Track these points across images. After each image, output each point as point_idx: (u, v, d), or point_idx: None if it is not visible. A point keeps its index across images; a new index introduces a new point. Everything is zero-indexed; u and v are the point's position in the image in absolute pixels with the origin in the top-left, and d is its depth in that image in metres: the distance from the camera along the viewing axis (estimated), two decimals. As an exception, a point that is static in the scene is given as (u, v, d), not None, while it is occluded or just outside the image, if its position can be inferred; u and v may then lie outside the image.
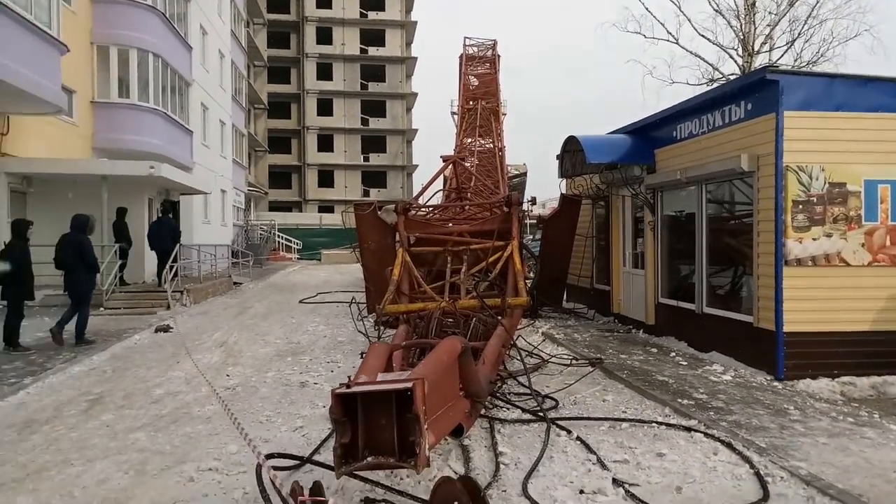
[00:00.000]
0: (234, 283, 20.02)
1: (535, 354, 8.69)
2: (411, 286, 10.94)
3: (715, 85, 18.00)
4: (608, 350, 8.97)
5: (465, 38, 33.79)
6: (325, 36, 54.00)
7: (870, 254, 7.25)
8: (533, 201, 19.44)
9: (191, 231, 22.70)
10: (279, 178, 52.96)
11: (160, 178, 16.11)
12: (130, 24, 18.84)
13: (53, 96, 13.22)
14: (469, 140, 28.70)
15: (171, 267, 14.55)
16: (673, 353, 8.71)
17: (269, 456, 4.16)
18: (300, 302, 15.98)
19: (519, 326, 10.66)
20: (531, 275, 13.23)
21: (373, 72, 55.08)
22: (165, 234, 14.95)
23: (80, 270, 9.86)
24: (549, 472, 4.74)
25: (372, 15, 55.02)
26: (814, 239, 7.18)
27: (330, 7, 53.95)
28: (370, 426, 3.26)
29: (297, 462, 4.50)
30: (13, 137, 14.27)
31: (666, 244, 10.02)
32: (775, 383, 7.05)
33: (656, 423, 5.73)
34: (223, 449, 5.21)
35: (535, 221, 14.99)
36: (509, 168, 35.75)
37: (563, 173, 12.68)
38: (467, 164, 26.26)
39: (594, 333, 10.55)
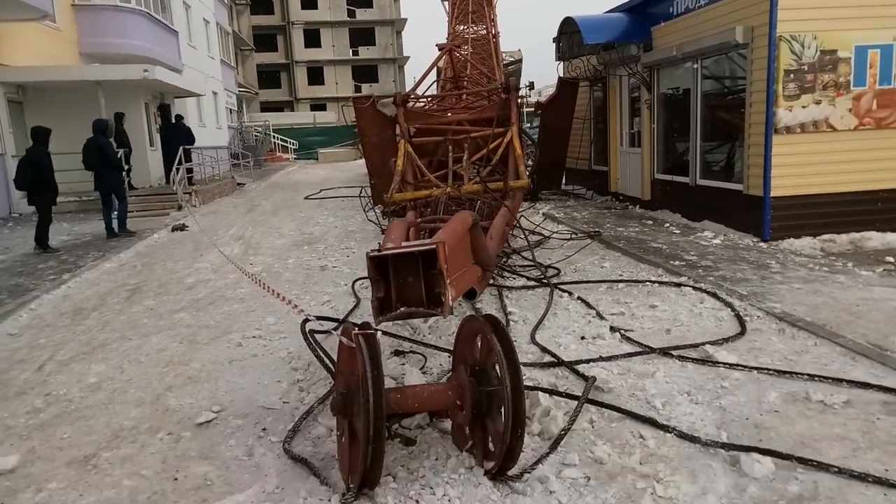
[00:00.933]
0: (238, 184, 20.32)
1: (537, 232, 9.22)
2: (415, 176, 11.27)
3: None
4: (606, 224, 9.49)
5: (453, -87, 31.84)
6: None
7: (856, 118, 7.56)
8: (531, 86, 19.29)
9: (179, 134, 22.65)
10: (268, 77, 51.59)
11: (154, 81, 16.04)
12: (103, -85, 17.89)
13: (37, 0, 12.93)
14: (462, 27, 27.84)
15: (178, 169, 14.81)
16: (667, 224, 9.24)
17: (307, 320, 4.73)
18: (306, 198, 16.37)
19: (521, 208, 11.13)
20: (530, 161, 13.53)
21: (356, -42, 52.19)
22: (181, 138, 15.45)
23: (107, 170, 10.46)
24: (554, 325, 5.36)
25: None
26: (803, 107, 7.46)
27: None
28: (401, 283, 3.75)
29: (335, 323, 5.09)
30: (2, 47, 14.07)
31: (662, 122, 10.27)
32: (761, 244, 7.61)
33: (650, 281, 6.32)
34: (262, 321, 5.82)
35: (533, 108, 15.04)
36: (504, 55, 34.81)
37: (561, 56, 12.65)
38: (463, 53, 25.73)
39: (592, 211, 11.05)
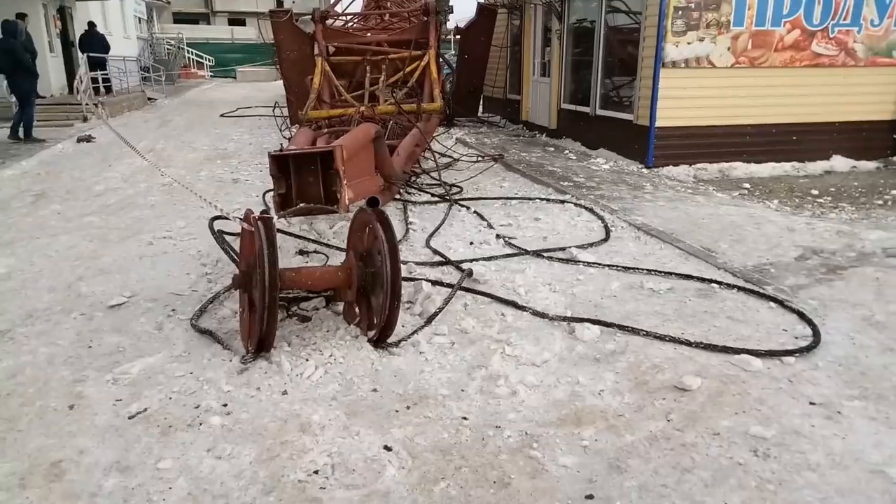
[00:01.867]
0: (150, 99, 19.49)
1: (447, 155, 9.69)
2: (332, 95, 11.36)
3: None
4: (511, 150, 10.07)
5: None
6: None
7: (733, 56, 8.33)
8: (450, 10, 19.14)
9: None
10: (181, -16, 48.07)
11: (52, -20, 14.95)
12: None
13: None
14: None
15: (83, 79, 14.13)
16: (567, 151, 9.92)
17: (216, 218, 5.07)
18: (221, 116, 16.03)
19: (435, 133, 11.54)
20: (449, 86, 13.80)
21: None
22: (96, 47, 14.95)
23: (19, 74, 10.09)
24: (449, 233, 5.93)
25: None
26: (688, 43, 8.13)
27: None
28: (301, 182, 4.16)
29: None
30: None
31: (570, 53, 10.78)
32: (643, 170, 8.42)
33: (539, 199, 6.97)
34: (173, 224, 6.09)
35: (452, 34, 15.17)
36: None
37: (478, -20, 12.80)
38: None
39: (502, 138, 11.59)
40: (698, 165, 8.46)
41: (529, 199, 7.03)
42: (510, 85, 13.72)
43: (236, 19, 48.70)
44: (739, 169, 8.41)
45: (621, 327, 3.68)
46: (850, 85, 8.73)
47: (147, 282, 4.61)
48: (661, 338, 3.54)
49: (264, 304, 3.23)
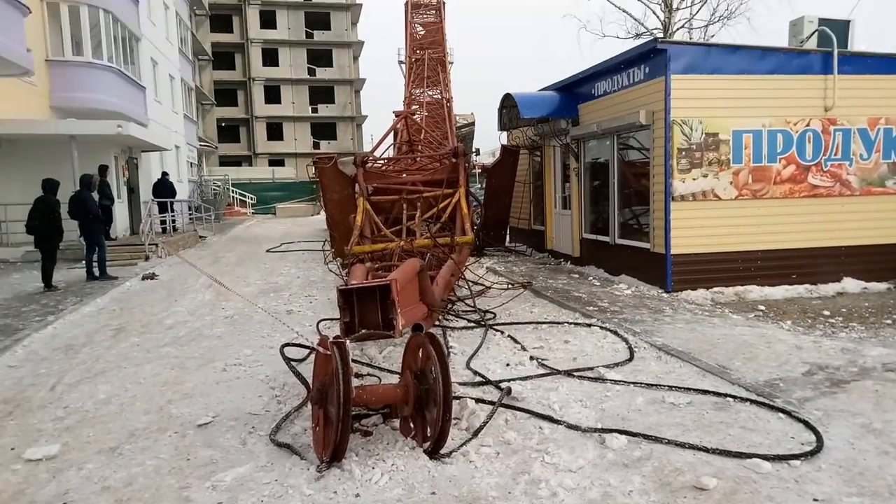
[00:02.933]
0: (200, 237, 21.11)
1: (479, 283, 10.51)
2: (372, 231, 12.49)
3: (640, 40, 19.71)
4: (539, 277, 10.85)
5: (410, -16, 34.29)
6: (267, -18, 53.09)
7: (736, 189, 9.22)
8: (476, 152, 20.88)
9: (148, 187, 23.47)
10: (228, 131, 52.71)
11: (126, 136, 16.99)
12: (79, -20, 19.09)
13: (21, 58, 13.90)
14: (418, 91, 29.78)
15: (146, 221, 15.66)
16: (590, 277, 10.67)
17: (286, 345, 5.80)
18: (267, 251, 17.34)
19: (467, 262, 12.48)
20: (477, 219, 14.95)
21: (318, 19, 54.65)
22: (167, 192, 16.87)
23: (88, 222, 11.47)
24: (486, 356, 6.55)
25: (315, -40, 54.22)
26: (693, 179, 9.08)
27: (271, -47, 52.88)
28: (362, 311, 4.93)
29: (309, 349, 6.15)
30: (-23, 101, 14.90)
31: (588, 187, 11.86)
32: (663, 294, 9.06)
33: (567, 323, 7.61)
34: (240, 353, 6.83)
35: (480, 170, 16.61)
36: (458, 118, 36.91)
37: (502, 126, 14.31)
38: (417, 118, 27.56)
39: (530, 266, 12.44)
40: (715, 289, 9.09)
41: (558, 323, 7.68)
42: (534, 217, 14.81)
43: (276, 160, 52.72)
44: (754, 292, 9.00)
45: (646, 436, 4.18)
46: (849, 212, 9.49)
47: (226, 404, 5.27)
48: (682, 445, 4.03)
49: (339, 417, 3.86)
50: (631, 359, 6.03)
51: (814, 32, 9.62)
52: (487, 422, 4.58)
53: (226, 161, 50.70)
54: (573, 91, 12.10)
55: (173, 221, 19.27)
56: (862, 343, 6.18)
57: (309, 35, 54.38)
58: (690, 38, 19.78)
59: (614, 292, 9.32)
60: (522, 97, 12.22)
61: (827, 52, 9.29)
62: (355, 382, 5.76)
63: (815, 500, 3.35)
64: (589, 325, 7.38)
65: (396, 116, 17.79)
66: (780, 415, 4.42)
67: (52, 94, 18.61)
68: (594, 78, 11.14)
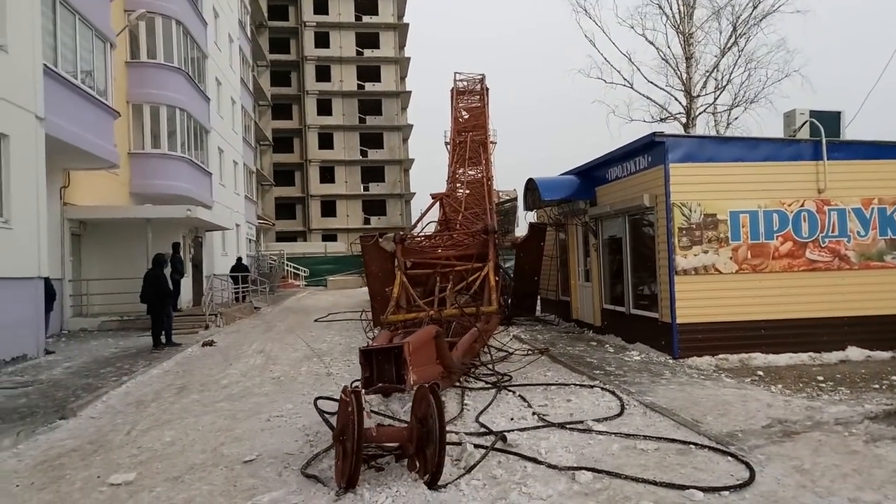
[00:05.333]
0: (255, 308, 22.72)
1: (503, 349, 11.39)
2: (408, 301, 13.64)
3: (665, 125, 20.93)
4: (559, 345, 11.66)
5: (455, 73, 36.77)
6: (323, 73, 57.46)
7: (736, 264, 9.97)
8: (506, 231, 22.04)
9: (212, 263, 25.52)
10: (285, 209, 55.96)
11: (194, 219, 18.97)
12: (160, 83, 21.81)
13: (110, 154, 16.10)
14: (461, 170, 31.58)
15: (210, 294, 17.29)
16: (607, 345, 11.41)
17: (319, 398, 6.84)
18: (315, 321, 18.66)
19: (496, 332, 13.42)
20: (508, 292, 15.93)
21: (370, 106, 58.45)
22: (242, 271, 19.38)
23: (159, 299, 13.08)
24: (495, 412, 7.41)
25: (367, 52, 58.56)
26: (695, 255, 9.91)
27: (328, 46, 57.48)
28: (380, 368, 5.96)
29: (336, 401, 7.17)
30: (70, 188, 17.11)
31: (607, 261, 12.76)
32: (670, 361, 9.74)
33: (573, 384, 8.41)
34: (283, 407, 7.90)
35: (509, 245, 17.75)
36: (501, 194, 38.51)
37: (527, 206, 15.47)
38: (458, 194, 29.25)
39: (553, 334, 13.25)
40: (720, 356, 9.71)
41: (566, 384, 8.48)
42: (561, 288, 15.69)
43: (329, 235, 55.41)
44: (758, 359, 9.58)
45: (609, 473, 4.99)
46: (849, 285, 10.07)
47: (268, 446, 6.31)
48: (636, 479, 4.82)
49: (353, 450, 4.85)
50: (620, 414, 6.79)
51: (805, 123, 10.54)
52: (480, 461, 5.45)
53: (282, 237, 53.67)
54: (590, 175, 13.21)
55: (244, 292, 24.02)
56: (830, 403, 6.77)
57: (362, 120, 58.07)
58: (716, 122, 20.86)
59: (624, 358, 10.04)
60: (543, 181, 13.42)
61: (816, 140, 10.17)
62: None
63: (730, 520, 4.09)
64: (592, 387, 8.16)
65: (434, 198, 19.25)
66: (729, 458, 5.15)
67: (131, 181, 21.01)
68: (607, 164, 12.26)
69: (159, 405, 8.44)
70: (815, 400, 7.06)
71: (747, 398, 7.01)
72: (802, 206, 10.12)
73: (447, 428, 6.81)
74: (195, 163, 23.38)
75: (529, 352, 10.85)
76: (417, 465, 5.31)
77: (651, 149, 10.32)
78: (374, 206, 58.23)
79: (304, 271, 42.38)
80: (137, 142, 21.57)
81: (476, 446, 5.90)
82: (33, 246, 12.20)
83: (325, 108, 57.37)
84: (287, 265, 41.63)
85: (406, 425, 5.50)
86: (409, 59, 60.68)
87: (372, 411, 7.28)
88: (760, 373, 8.82)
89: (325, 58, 57.29)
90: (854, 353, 9.76)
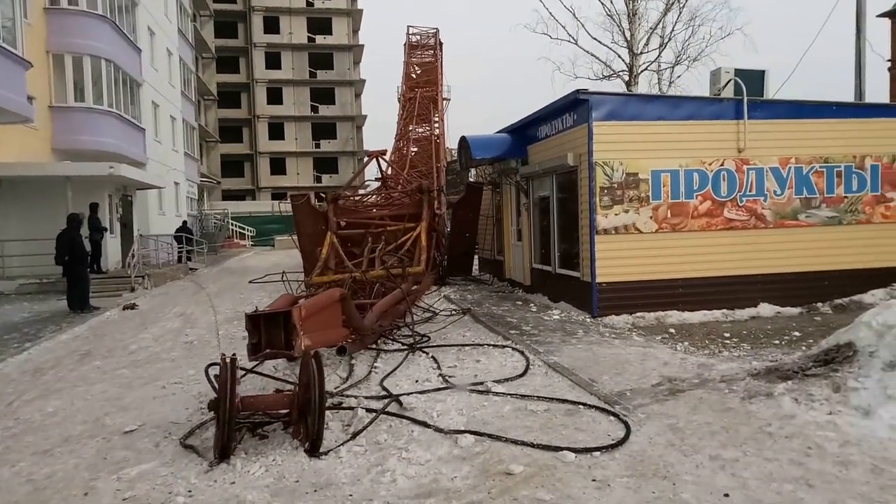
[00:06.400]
0: (191, 269, 22.08)
1: (430, 310, 11.28)
2: (339, 262, 13.37)
3: (609, 80, 20.78)
4: (485, 305, 11.62)
5: (409, 26, 35.80)
6: (272, 25, 55.24)
7: (656, 223, 10.00)
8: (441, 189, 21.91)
9: (147, 222, 24.58)
10: (232, 167, 54.32)
11: (119, 177, 18.10)
12: (83, 32, 20.45)
13: (22, 108, 15.07)
14: (410, 128, 30.99)
15: (133, 255, 16.65)
16: (531, 305, 11.42)
17: (211, 364, 6.59)
18: (250, 282, 18.23)
19: (428, 291, 13.31)
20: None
21: (321, 60, 56.63)
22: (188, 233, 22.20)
23: (74, 262, 12.37)
24: (403, 374, 7.29)
25: (318, 3, 56.42)
26: (615, 214, 9.88)
27: (276, -4, 55.16)
28: (269, 333, 5.73)
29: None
30: (-19, 145, 16.07)
31: (537, 221, 12.69)
32: (588, 319, 9.80)
33: (487, 345, 8.36)
34: (185, 373, 7.63)
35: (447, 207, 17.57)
36: (452, 152, 38.00)
37: (461, 165, 15.22)
38: (404, 152, 28.71)
39: (483, 294, 13.22)
40: (637, 314, 9.80)
41: (480, 345, 8.42)
42: (496, 248, 15.63)
43: (279, 194, 54.11)
44: (674, 316, 9.71)
45: (490, 436, 4.93)
46: (764, 243, 10.22)
47: (155, 415, 6.06)
48: (515, 442, 4.77)
49: (224, 420, 4.65)
50: (523, 374, 6.76)
51: (728, 81, 10.49)
52: (367, 426, 5.33)
53: (230, 195, 52.22)
54: (523, 133, 13.01)
55: (189, 253, 24.71)
56: (724, 360, 6.88)
57: (312, 74, 56.30)
58: (659, 80, 20.79)
59: (544, 318, 10.06)
60: (475, 139, 13.16)
61: (738, 99, 10.15)
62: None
63: (594, 480, 4.07)
64: (504, 347, 8.12)
65: (369, 156, 18.80)
66: (611, 418, 5.15)
67: (53, 137, 19.83)
68: (537, 123, 12.06)
69: (56, 373, 8.07)
70: (713, 357, 7.17)
71: (647, 357, 7.07)
72: (722, 165, 10.16)
73: (349, 392, 6.72)
74: (124, 117, 22.21)
75: (453, 312, 10.77)
76: (300, 431, 5.16)
77: (576, 107, 10.14)
78: (325, 164, 57.05)
79: (250, 231, 41.44)
80: (59, 94, 20.29)
81: (368, 411, 5.78)
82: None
83: (273, 61, 55.34)
84: (232, 224, 40.60)
85: (288, 393, 5.32)
86: (361, 10, 58.76)
87: (277, 377, 7.09)
88: (672, 330, 8.94)
89: (273, 8, 55.02)
90: (765, 309, 9.99)
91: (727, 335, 8.54)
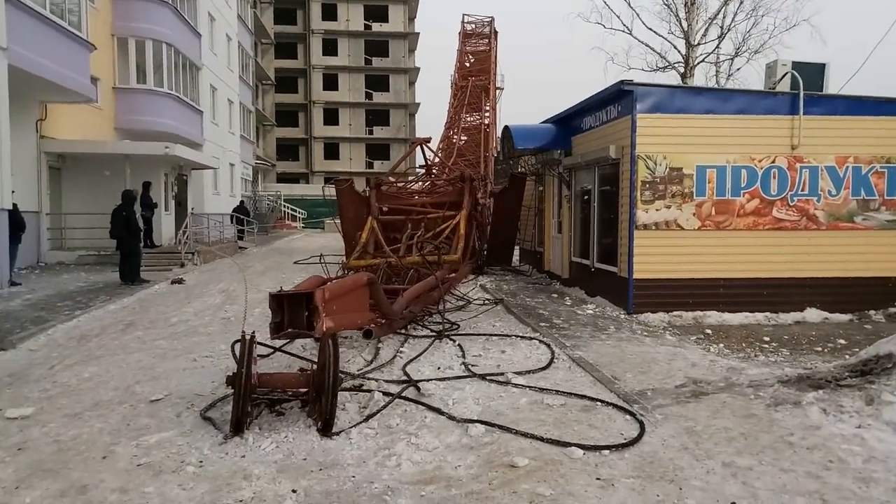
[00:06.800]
0: (241, 248, 22.69)
1: (464, 298, 11.26)
2: (378, 247, 13.48)
3: (664, 72, 20.14)
4: (520, 296, 11.50)
5: (464, 15, 35.64)
6: (330, 12, 55.90)
7: (699, 221, 9.66)
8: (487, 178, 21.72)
9: (202, 201, 25.39)
10: (287, 150, 55.47)
11: (173, 157, 18.73)
12: (146, 17, 21.22)
13: (84, 88, 15.77)
14: (461, 116, 30.91)
15: (184, 232, 17.23)
16: (567, 298, 11.24)
17: (237, 341, 6.74)
18: (295, 263, 18.60)
19: (464, 280, 13.29)
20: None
21: (377, 47, 57.02)
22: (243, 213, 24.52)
23: (128, 237, 12.96)
24: (427, 360, 7.30)
25: (376, -9, 56.77)
26: (657, 210, 9.59)
27: (336, -16, 55.76)
28: (292, 313, 5.81)
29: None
30: (49, 121, 16.86)
31: (578, 214, 12.46)
32: (622, 316, 9.57)
33: (515, 336, 8.27)
34: (216, 348, 7.85)
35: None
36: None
37: (504, 155, 15.06)
38: (453, 141, 28.62)
39: (520, 285, 13.09)
40: (675, 313, 9.52)
41: (507, 335, 8.35)
42: (538, 239, 15.44)
43: (331, 178, 55.04)
44: (713, 317, 9.39)
45: (501, 427, 4.87)
46: (815, 245, 9.74)
47: (182, 386, 6.25)
48: (524, 434, 4.71)
49: (239, 395, 4.75)
50: (546, 367, 6.66)
51: (785, 75, 9.99)
52: (380, 410, 5.36)
53: (284, 178, 53.39)
54: (568, 124, 12.76)
55: (241, 233, 26.41)
56: (757, 365, 6.59)
57: (368, 61, 56.76)
58: (717, 73, 20.03)
59: (577, 312, 9.88)
60: (518, 129, 12.99)
61: (794, 93, 9.66)
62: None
63: (598, 478, 3.97)
64: (531, 339, 8.02)
65: (413, 143, 18.83)
66: (627, 417, 5.01)
67: (116, 117, 20.72)
68: (582, 113, 11.80)
69: (100, 341, 8.43)
70: (746, 361, 6.89)
71: (676, 357, 6.84)
72: (773, 162, 9.71)
73: (371, 376, 6.78)
74: (183, 100, 22.97)
75: (486, 301, 10.71)
76: (316, 409, 5.23)
77: (620, 98, 9.87)
78: (377, 150, 57.58)
79: (302, 213, 42.26)
80: (123, 76, 21.15)
81: (385, 394, 5.81)
82: (-6, 177, 12.05)
83: (330, 48, 56.05)
84: (285, 206, 41.50)
85: (305, 372, 5.40)
86: (417, -1, 58.78)
87: (303, 357, 7.22)
88: (709, 331, 8.65)
89: (331, -5, 55.65)
90: (812, 314, 9.54)
91: (767, 339, 8.20)
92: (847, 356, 7.09)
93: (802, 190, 9.75)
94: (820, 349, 7.65)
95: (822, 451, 4.18)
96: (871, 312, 9.76)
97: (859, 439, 4.22)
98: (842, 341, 8.11)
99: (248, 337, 5.08)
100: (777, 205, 9.73)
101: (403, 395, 5.77)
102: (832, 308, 9.62)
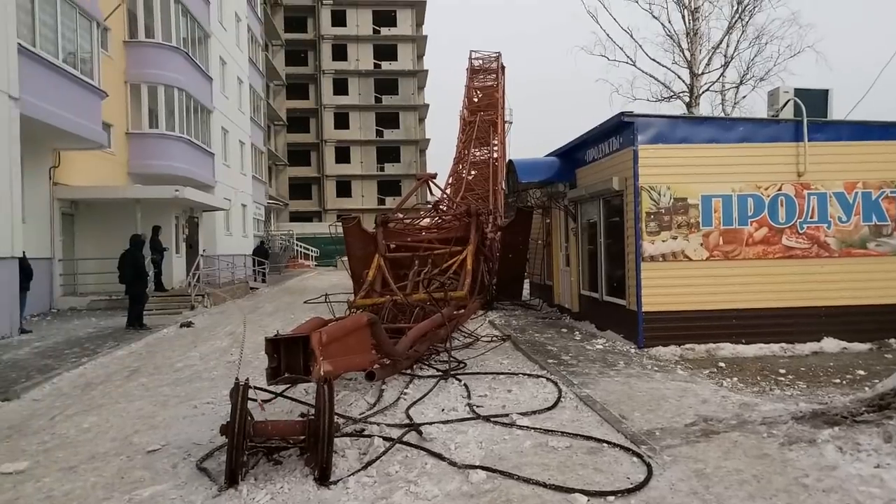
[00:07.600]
0: (251, 288, 22.74)
1: (472, 335, 11.10)
2: (385, 285, 13.42)
3: (669, 102, 20.18)
4: (528, 331, 11.33)
5: (471, 51, 36.15)
6: (340, 52, 57.09)
7: (707, 251, 9.50)
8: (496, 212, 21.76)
9: (214, 242, 25.59)
10: (300, 189, 56.06)
11: (184, 199, 18.94)
12: (158, 63, 21.73)
13: (97, 135, 16.08)
14: (470, 150, 31.12)
15: (195, 275, 17.30)
16: (576, 332, 11.04)
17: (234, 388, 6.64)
18: (305, 302, 18.57)
19: (473, 316, 13.14)
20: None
21: (386, 85, 57.98)
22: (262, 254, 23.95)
23: (136, 280, 13.06)
24: (431, 401, 7.15)
25: (384, 31, 57.95)
26: (663, 241, 9.46)
27: (345, 25, 57.02)
28: (288, 358, 5.72)
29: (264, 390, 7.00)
30: (62, 168, 17.16)
31: (585, 246, 12.33)
32: (633, 350, 9.36)
33: (521, 374, 8.10)
34: (218, 394, 7.75)
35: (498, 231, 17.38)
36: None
37: (508, 189, 15.05)
38: (462, 176, 28.69)
39: (529, 320, 12.91)
40: (687, 346, 9.29)
41: (514, 374, 8.17)
42: (546, 273, 15.30)
43: (345, 216, 55.43)
44: (726, 349, 9.15)
45: (502, 473, 4.70)
46: (828, 273, 9.52)
47: (181, 436, 6.15)
48: (527, 480, 4.53)
49: (232, 445, 4.64)
50: (552, 407, 6.48)
51: (787, 102, 9.91)
52: (379, 457, 5.21)
53: (297, 217, 53.82)
54: (572, 157, 12.74)
55: (263, 273, 27.48)
56: (771, 400, 6.36)
57: (378, 99, 57.67)
58: (722, 101, 20.04)
59: (587, 347, 9.68)
60: (521, 163, 12.99)
61: (797, 120, 9.57)
62: (296, 415, 6.54)
63: (601, 529, 3.79)
64: (538, 377, 7.84)
65: (418, 180, 18.93)
66: (635, 459, 4.82)
67: (129, 161, 21.07)
68: (585, 145, 11.79)
69: (104, 389, 8.37)
70: (760, 395, 6.65)
71: (686, 393, 6.63)
72: (780, 190, 9.58)
73: (373, 419, 6.63)
74: (194, 143, 23.34)
75: (493, 338, 10.55)
76: (312, 458, 5.09)
77: (621, 130, 9.84)
78: (389, 187, 58.01)
79: (314, 251, 42.45)
80: (136, 122, 21.58)
81: (385, 440, 5.66)
82: (6, 226, 12.21)
83: (341, 87, 57.06)
84: (297, 245, 41.74)
85: (300, 419, 5.28)
86: (426, 36, 59.92)
87: (304, 402, 7.08)
88: (722, 364, 8.41)
89: (341, 36, 56.87)
90: (829, 344, 9.27)
91: (782, 371, 7.95)
92: (867, 388, 6.84)
93: (811, 217, 9.59)
94: (839, 381, 7.39)
95: (839, 493, 3.96)
96: (892, 341, 9.46)
97: (878, 480, 4.01)
98: (861, 372, 7.84)
99: (241, 385, 4.98)
100: (786, 233, 9.55)
101: (404, 439, 5.61)
102: (850, 337, 9.34)
